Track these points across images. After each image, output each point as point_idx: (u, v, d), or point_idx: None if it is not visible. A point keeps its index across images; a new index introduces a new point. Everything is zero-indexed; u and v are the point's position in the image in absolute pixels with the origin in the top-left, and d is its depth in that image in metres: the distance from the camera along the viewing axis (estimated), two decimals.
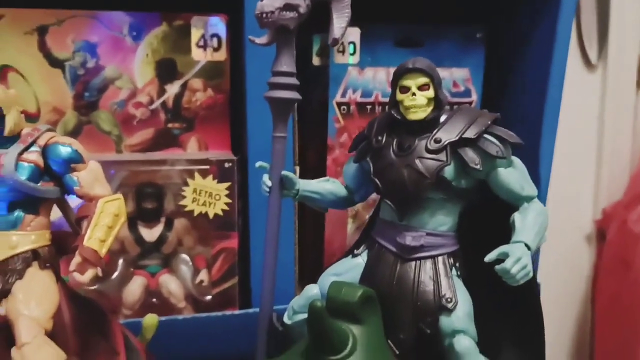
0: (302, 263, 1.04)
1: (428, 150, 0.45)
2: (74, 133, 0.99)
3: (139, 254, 0.96)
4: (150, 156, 0.97)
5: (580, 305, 1.47)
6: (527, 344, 0.47)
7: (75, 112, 0.98)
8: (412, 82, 0.46)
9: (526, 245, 0.43)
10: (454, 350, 0.44)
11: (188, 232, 0.98)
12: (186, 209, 0.95)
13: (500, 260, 0.41)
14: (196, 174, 0.95)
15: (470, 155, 0.45)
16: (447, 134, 0.46)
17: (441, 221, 0.47)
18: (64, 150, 0.51)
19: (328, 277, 0.47)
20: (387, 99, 1.03)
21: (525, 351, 0.47)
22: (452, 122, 0.46)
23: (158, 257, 0.96)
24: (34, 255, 0.50)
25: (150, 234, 0.96)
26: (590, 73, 1.31)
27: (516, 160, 0.46)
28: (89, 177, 0.52)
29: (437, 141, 0.45)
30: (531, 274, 0.42)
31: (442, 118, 0.47)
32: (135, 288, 0.95)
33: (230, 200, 0.96)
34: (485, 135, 0.46)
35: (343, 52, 1.01)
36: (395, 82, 0.47)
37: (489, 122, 0.46)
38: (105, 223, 0.51)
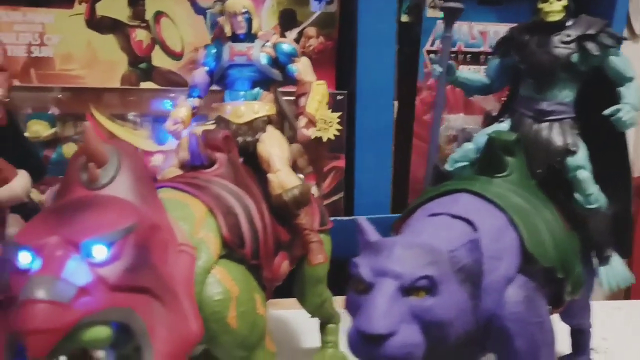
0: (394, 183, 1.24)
1: (562, 42, 0.65)
2: None
3: None
4: None
5: None
6: (618, 184, 0.67)
7: None
8: None
9: (631, 105, 0.63)
10: (577, 179, 0.64)
11: (301, 155, 1.18)
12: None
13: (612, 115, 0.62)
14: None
15: (590, 45, 0.65)
16: (575, 31, 0.66)
17: (566, 94, 0.67)
18: (288, 47, 0.71)
19: (482, 135, 0.67)
20: (469, 49, 1.23)
21: (617, 187, 0.67)
22: (577, 24, 0.67)
23: None
24: (269, 119, 0.71)
25: None
26: (634, 43, 1.49)
27: (621, 52, 0.66)
28: (303, 66, 0.72)
29: (568, 36, 0.65)
30: (636, 123, 0.62)
31: (569, 22, 0.67)
32: None
33: (340, 127, 1.16)
34: (601, 33, 0.65)
35: (434, 7, 1.21)
36: None
37: (604, 24, 0.66)
38: (317, 99, 0.71)
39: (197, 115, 0.72)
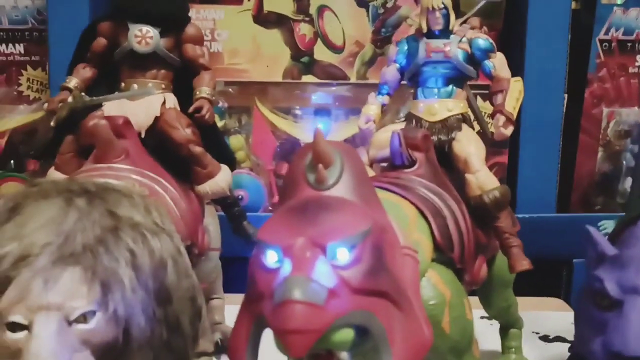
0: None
1: None
2: (369, 63, 1.19)
3: None
4: None
5: None
6: None
7: (372, 45, 1.18)
8: None
9: None
10: None
11: None
12: None
13: None
14: (478, 97, 1.11)
15: None
16: None
17: None
18: (484, 43, 0.69)
19: None
20: (626, 37, 1.14)
21: None
22: None
23: None
24: (463, 117, 0.69)
25: None
26: None
27: None
28: (500, 63, 0.69)
29: None
30: None
31: None
32: None
33: None
34: None
35: None
36: None
37: None
38: (515, 96, 0.68)
39: None
